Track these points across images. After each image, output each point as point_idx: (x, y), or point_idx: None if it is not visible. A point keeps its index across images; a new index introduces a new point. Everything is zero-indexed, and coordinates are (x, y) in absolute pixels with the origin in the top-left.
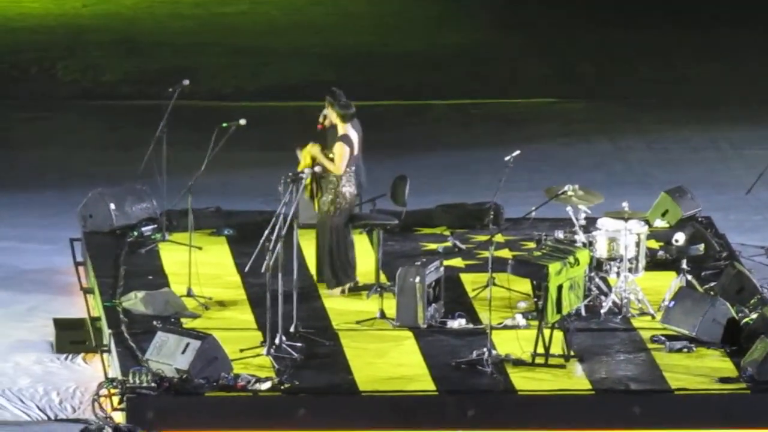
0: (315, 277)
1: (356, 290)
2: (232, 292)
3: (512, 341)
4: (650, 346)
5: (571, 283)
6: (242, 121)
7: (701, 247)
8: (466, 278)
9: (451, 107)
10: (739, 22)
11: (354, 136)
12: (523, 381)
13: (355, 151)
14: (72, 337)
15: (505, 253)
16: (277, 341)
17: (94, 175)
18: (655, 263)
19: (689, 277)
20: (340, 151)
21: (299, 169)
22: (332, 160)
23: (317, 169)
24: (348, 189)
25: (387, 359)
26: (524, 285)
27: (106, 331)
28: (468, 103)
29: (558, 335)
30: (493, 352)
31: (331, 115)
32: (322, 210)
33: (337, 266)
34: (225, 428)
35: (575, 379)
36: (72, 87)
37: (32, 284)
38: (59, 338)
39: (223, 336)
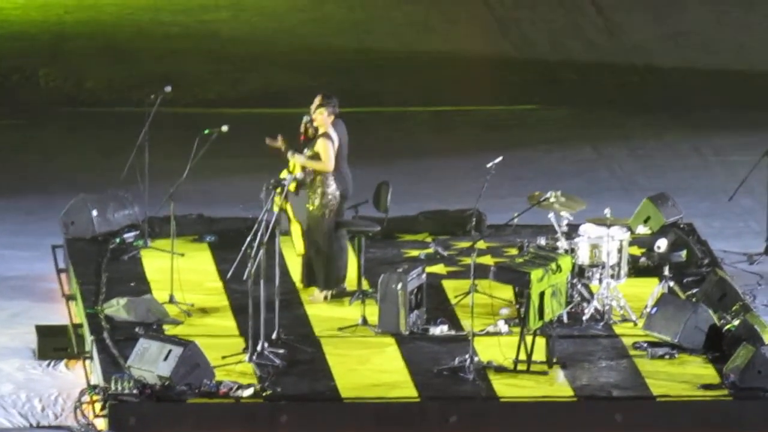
0: (300, 283)
1: (339, 296)
2: (214, 299)
3: (494, 348)
4: (632, 352)
5: (553, 289)
6: (224, 128)
7: (683, 253)
8: (448, 285)
9: (433, 114)
10: (723, 23)
11: (336, 137)
12: (505, 387)
13: (344, 150)
14: (54, 344)
15: (488, 260)
16: (259, 348)
17: (76, 181)
18: (637, 270)
19: (671, 283)
20: (324, 147)
21: (281, 176)
22: (318, 159)
23: (299, 175)
24: (334, 188)
25: (369, 366)
26: (506, 292)
27: (89, 338)
28: (450, 109)
29: (540, 342)
30: (476, 358)
31: (319, 116)
32: (313, 214)
33: (331, 270)
34: None
35: (557, 385)
36: (54, 94)
37: (14, 291)
38: (41, 345)
39: (205, 343)
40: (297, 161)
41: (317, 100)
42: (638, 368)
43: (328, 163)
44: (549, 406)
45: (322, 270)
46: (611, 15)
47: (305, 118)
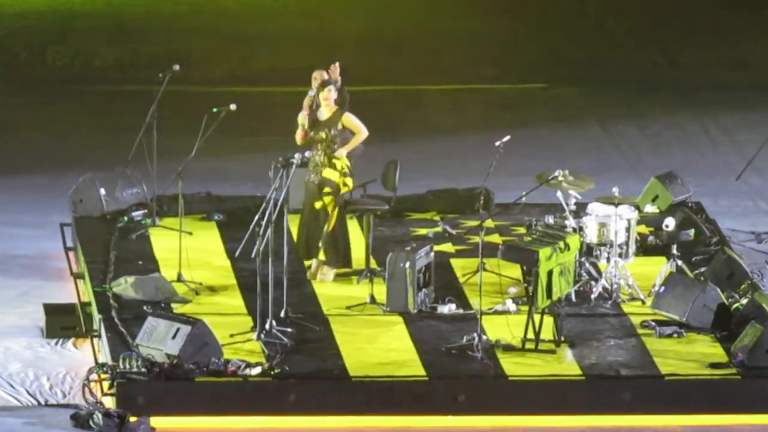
0: (306, 255)
1: (346, 275)
2: (222, 278)
3: (502, 327)
4: (640, 331)
5: (561, 268)
6: (233, 107)
7: (691, 232)
8: (456, 263)
9: (442, 93)
10: (731, 4)
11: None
12: (513, 366)
13: None
14: (62, 323)
15: (496, 239)
16: (267, 326)
17: (85, 160)
18: (645, 249)
19: (679, 262)
20: (351, 119)
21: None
22: (351, 136)
23: (307, 153)
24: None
25: (377, 344)
26: (515, 270)
27: (97, 317)
28: (459, 88)
29: (548, 321)
30: (484, 337)
31: (329, 94)
32: (331, 187)
33: (342, 248)
34: (215, 413)
35: (565, 364)
36: (62, 72)
37: (22, 269)
38: (50, 323)
39: (213, 321)
40: (342, 155)
41: (317, 75)
42: (646, 347)
43: (363, 129)
44: (557, 384)
45: (337, 247)
46: None
47: (311, 93)
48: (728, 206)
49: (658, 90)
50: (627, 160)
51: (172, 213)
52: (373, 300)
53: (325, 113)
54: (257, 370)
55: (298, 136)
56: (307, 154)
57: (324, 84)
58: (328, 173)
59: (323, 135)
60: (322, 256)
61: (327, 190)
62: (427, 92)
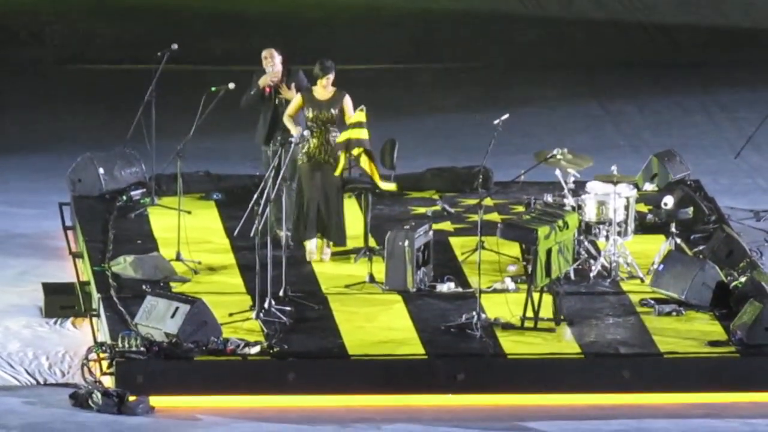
0: (328, 238)
1: (345, 254)
2: (221, 257)
3: (502, 305)
4: (639, 309)
5: (560, 246)
6: (231, 85)
7: (690, 210)
8: (455, 242)
9: (441, 71)
10: None
11: None
12: (512, 345)
13: None
14: (61, 302)
15: (495, 217)
16: (266, 305)
17: (83, 139)
18: (644, 227)
19: (678, 240)
20: (351, 104)
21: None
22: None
23: (306, 132)
24: None
25: (376, 323)
26: (513, 249)
27: (96, 296)
28: (458, 66)
29: (547, 299)
30: (483, 315)
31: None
32: (335, 170)
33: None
34: (214, 392)
35: (565, 342)
36: (61, 51)
37: (21, 249)
38: (48, 303)
39: (212, 300)
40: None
41: (267, 54)
42: (645, 325)
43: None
44: (556, 363)
45: (340, 226)
46: None
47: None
48: (727, 184)
49: (657, 68)
50: (626, 138)
51: (171, 192)
52: (372, 279)
53: (322, 94)
54: (256, 349)
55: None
56: (305, 133)
57: (325, 70)
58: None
59: (328, 115)
60: (336, 237)
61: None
62: (426, 70)
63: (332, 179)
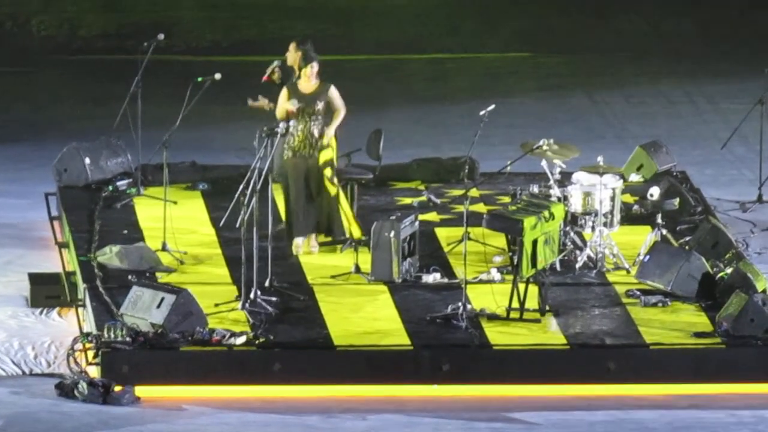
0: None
1: (331, 244)
2: (207, 247)
3: (487, 296)
4: (625, 300)
5: (546, 237)
6: (217, 76)
7: (676, 201)
8: (441, 233)
9: (427, 61)
10: None
11: None
12: (498, 335)
13: None
14: (47, 292)
15: (481, 208)
16: (252, 296)
17: (69, 129)
18: (630, 218)
19: (664, 231)
20: (337, 94)
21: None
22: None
23: (292, 122)
24: None
25: (362, 314)
26: (499, 239)
27: (81, 286)
28: (444, 57)
29: (533, 290)
30: (468, 306)
31: (312, 69)
32: (332, 167)
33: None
34: (200, 382)
35: (550, 333)
36: (47, 42)
37: (7, 239)
38: (34, 293)
39: (198, 290)
40: (331, 136)
41: (293, 47)
42: (631, 316)
43: (343, 107)
44: (542, 353)
45: (336, 220)
46: None
47: (276, 63)
48: (713, 175)
49: (644, 58)
50: (612, 128)
51: (157, 182)
52: (357, 269)
53: (307, 86)
54: (242, 340)
55: (282, 112)
56: (291, 123)
57: (308, 59)
58: (326, 154)
59: (314, 108)
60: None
61: (328, 172)
62: (412, 61)
63: (319, 172)
